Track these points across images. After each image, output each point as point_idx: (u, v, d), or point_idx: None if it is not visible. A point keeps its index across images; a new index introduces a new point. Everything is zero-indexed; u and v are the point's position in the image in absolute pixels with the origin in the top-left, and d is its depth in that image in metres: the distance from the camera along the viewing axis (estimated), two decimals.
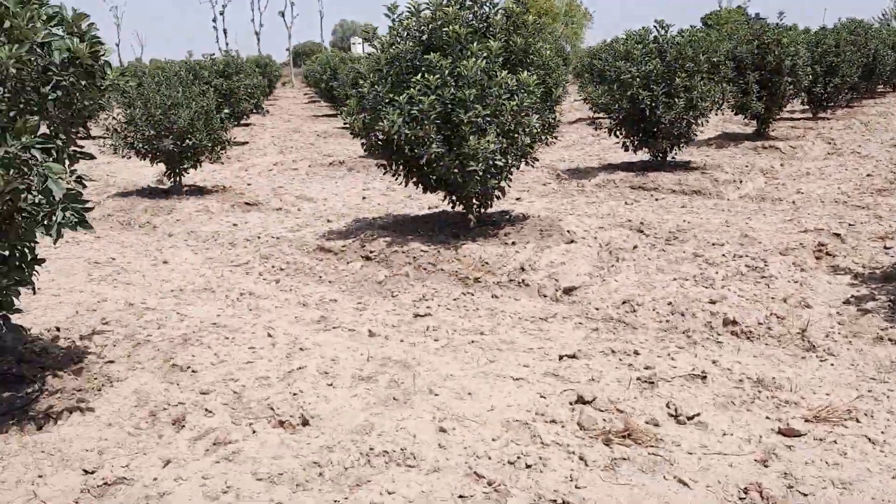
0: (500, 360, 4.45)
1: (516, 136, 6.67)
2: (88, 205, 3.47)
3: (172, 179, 10.60)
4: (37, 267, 3.79)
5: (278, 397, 3.97)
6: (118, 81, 3.64)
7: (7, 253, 3.58)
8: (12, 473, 3.20)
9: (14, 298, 3.57)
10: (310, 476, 3.21)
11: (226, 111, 11.00)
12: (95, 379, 4.22)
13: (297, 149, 16.29)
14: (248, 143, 17.14)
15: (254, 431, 3.61)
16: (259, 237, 8.09)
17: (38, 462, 3.30)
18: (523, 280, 6.02)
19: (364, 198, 10.23)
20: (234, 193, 10.74)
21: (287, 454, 3.39)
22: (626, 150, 10.91)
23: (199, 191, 10.82)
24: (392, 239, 7.26)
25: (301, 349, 4.73)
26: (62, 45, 3.46)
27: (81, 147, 3.88)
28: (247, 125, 20.66)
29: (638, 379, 4.10)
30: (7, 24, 3.39)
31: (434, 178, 7.09)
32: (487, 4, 6.95)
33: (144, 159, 10.31)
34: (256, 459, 3.33)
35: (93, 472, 3.21)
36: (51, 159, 3.41)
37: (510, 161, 6.80)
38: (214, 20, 69.02)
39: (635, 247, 6.76)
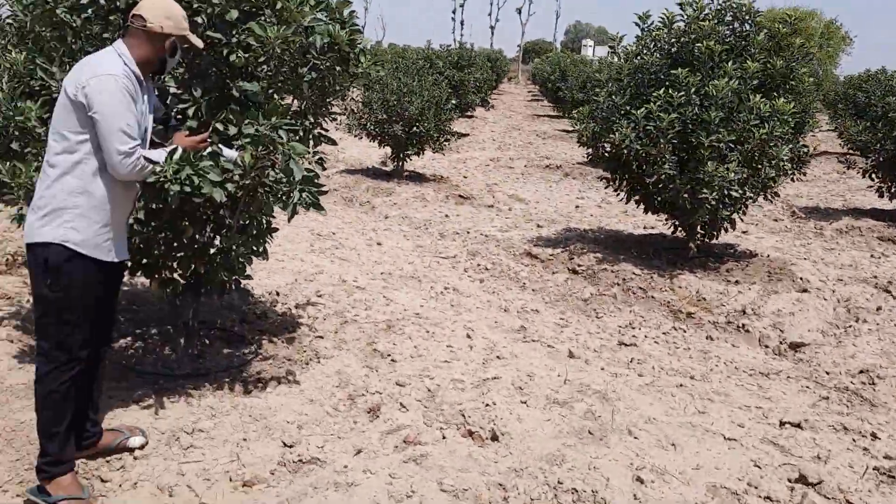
0: (711, 412, 4.04)
1: (760, 166, 6.10)
2: (324, 188, 3.56)
3: (395, 163, 11.02)
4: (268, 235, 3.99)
5: (471, 405, 3.88)
6: (370, 70, 3.70)
7: (246, 223, 3.79)
8: (221, 432, 3.38)
9: (247, 265, 3.77)
10: (494, 498, 3.07)
11: (453, 102, 11.23)
12: (304, 352, 4.39)
13: (515, 147, 16.34)
14: (468, 135, 17.48)
15: (443, 437, 3.54)
16: (468, 232, 8.13)
17: (245, 425, 3.46)
18: (743, 325, 5.49)
19: (577, 206, 9.98)
20: (450, 184, 10.95)
21: (474, 469, 3.28)
22: (881, 195, 9.68)
23: (417, 177, 11.16)
24: (602, 255, 6.97)
25: (498, 357, 4.62)
26: (324, 30, 3.56)
27: (326, 130, 4.01)
28: (470, 117, 21.10)
29: (875, 469, 3.53)
30: (279, 5, 3.56)
31: (659, 199, 6.69)
32: (749, 22, 6.39)
33: (373, 141, 10.81)
34: (443, 468, 3.25)
35: (291, 447, 3.30)
36: (296, 139, 3.54)
37: (747, 193, 6.24)
38: (454, 11, 71.43)
39: (879, 308, 5.93)
